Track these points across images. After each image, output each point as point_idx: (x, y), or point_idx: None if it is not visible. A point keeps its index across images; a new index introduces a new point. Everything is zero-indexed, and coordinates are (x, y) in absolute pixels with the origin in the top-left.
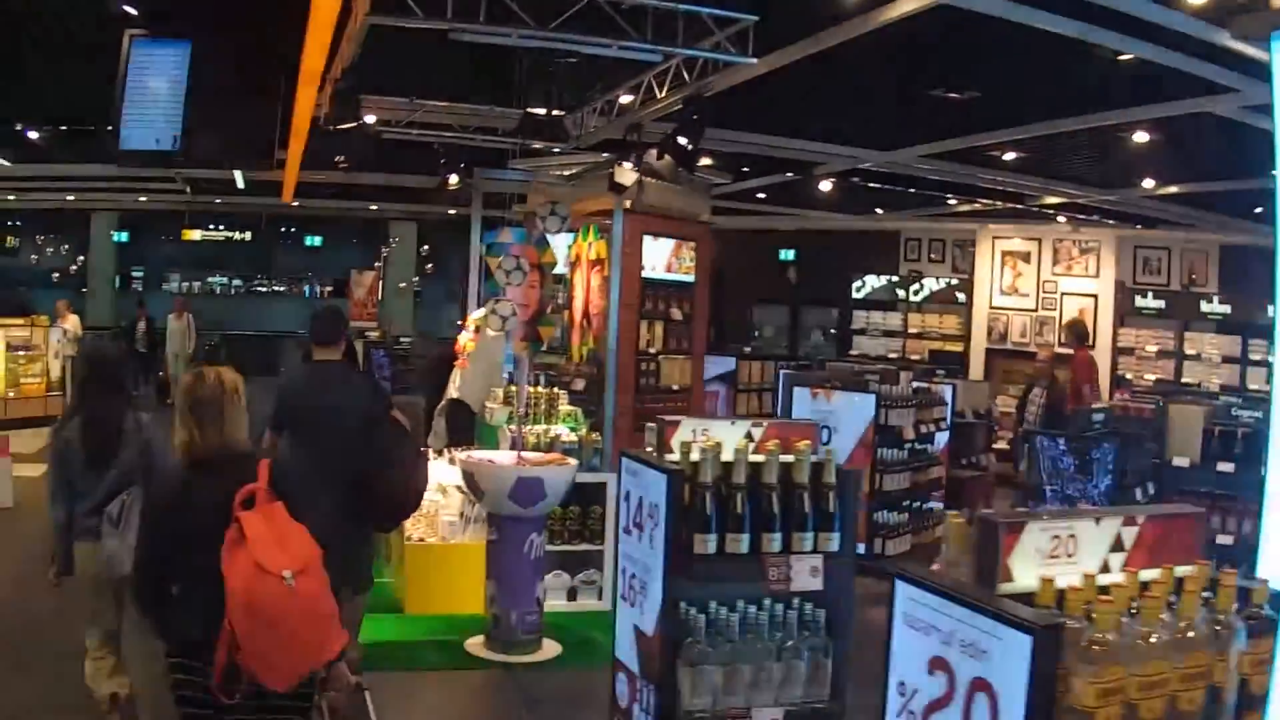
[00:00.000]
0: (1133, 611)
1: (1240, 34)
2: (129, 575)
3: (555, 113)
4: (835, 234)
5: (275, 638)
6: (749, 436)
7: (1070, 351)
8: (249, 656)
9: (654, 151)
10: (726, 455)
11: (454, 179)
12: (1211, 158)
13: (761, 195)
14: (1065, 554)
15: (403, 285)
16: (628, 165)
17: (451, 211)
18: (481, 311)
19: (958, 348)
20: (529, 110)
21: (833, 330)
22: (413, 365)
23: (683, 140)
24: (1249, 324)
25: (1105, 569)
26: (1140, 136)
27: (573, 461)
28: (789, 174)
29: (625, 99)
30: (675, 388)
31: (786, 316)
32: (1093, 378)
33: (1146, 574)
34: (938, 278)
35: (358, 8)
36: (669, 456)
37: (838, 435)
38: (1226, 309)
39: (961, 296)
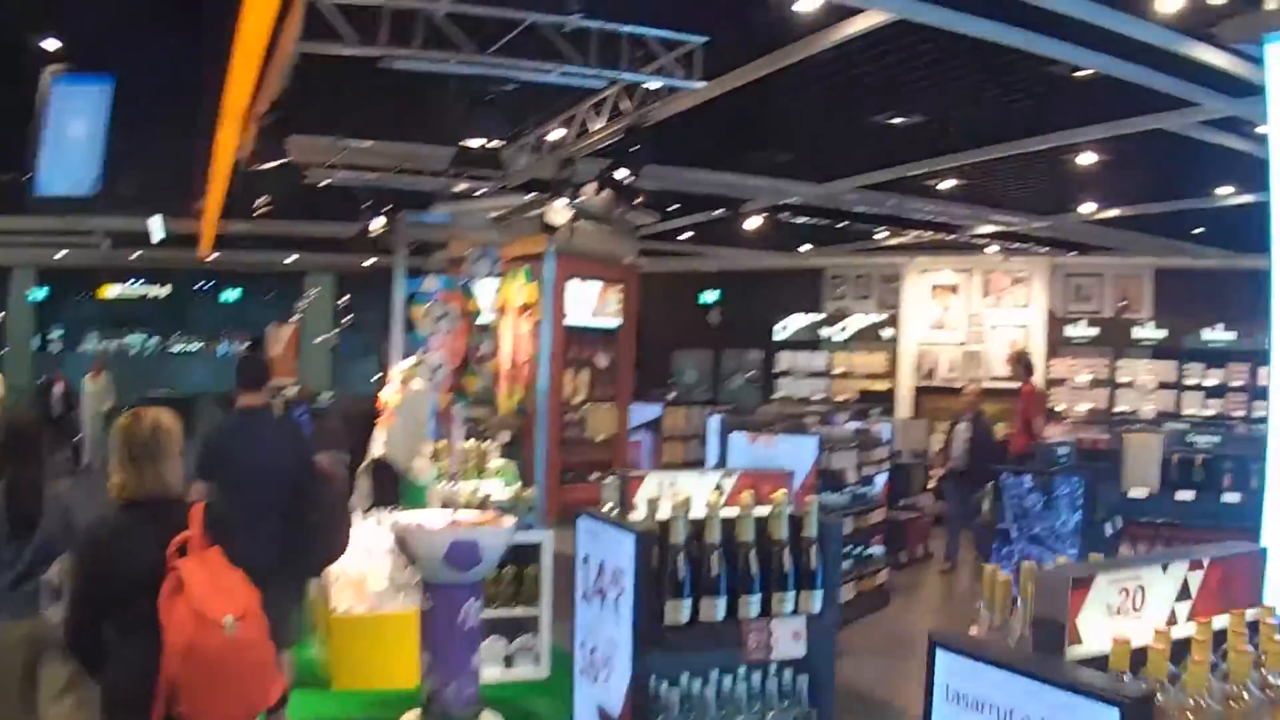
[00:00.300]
0: (1218, 668)
1: (1230, 38)
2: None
3: (491, 144)
4: (758, 274)
5: (216, 687)
6: (719, 489)
7: (1017, 385)
8: (189, 708)
9: (591, 186)
10: (696, 510)
11: (378, 223)
12: (1156, 178)
13: (685, 235)
14: (1132, 607)
15: (320, 339)
16: (561, 203)
17: (369, 262)
18: (407, 363)
19: (885, 386)
20: (463, 143)
21: (753, 373)
22: (333, 423)
23: (622, 173)
24: (1184, 348)
25: (1173, 620)
26: (1086, 158)
27: (509, 520)
28: (719, 210)
29: (555, 134)
30: (601, 438)
31: (708, 360)
32: (1042, 410)
33: (1218, 622)
34: (863, 315)
35: (286, 36)
36: (633, 515)
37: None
38: (1161, 334)
39: (888, 333)
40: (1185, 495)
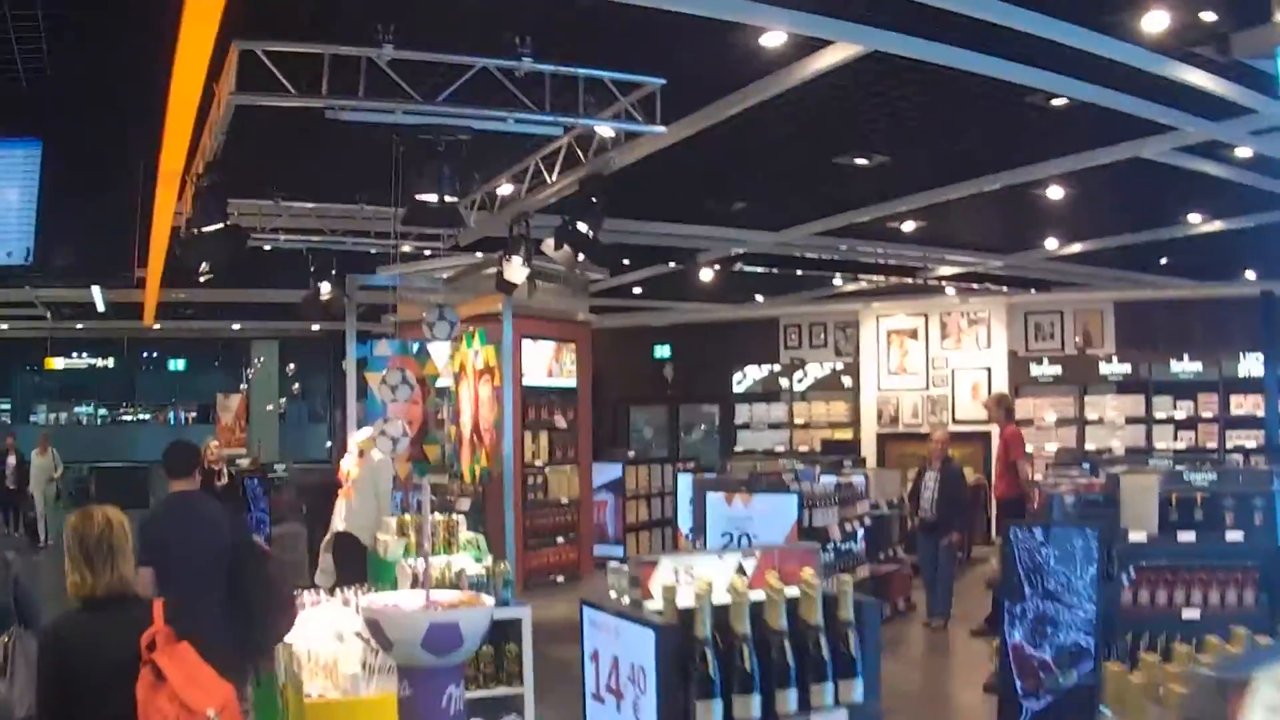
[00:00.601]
0: None
1: (1243, 53)
2: None
3: (448, 199)
4: (712, 326)
5: None
6: (741, 570)
7: (985, 428)
8: None
9: (550, 242)
10: (719, 595)
11: (326, 288)
12: (1125, 208)
13: (637, 290)
14: None
15: (269, 408)
16: (517, 260)
17: (315, 328)
18: (365, 433)
19: (848, 435)
20: (417, 197)
21: (705, 427)
22: (289, 495)
23: (583, 226)
24: (1151, 381)
25: None
26: (1054, 192)
27: (489, 600)
28: (671, 263)
29: (505, 189)
30: (564, 501)
31: (665, 416)
32: (1023, 453)
33: None
34: (821, 363)
35: (221, 88)
36: (649, 604)
37: (759, 542)
38: (1126, 368)
39: (848, 381)
40: (1187, 536)
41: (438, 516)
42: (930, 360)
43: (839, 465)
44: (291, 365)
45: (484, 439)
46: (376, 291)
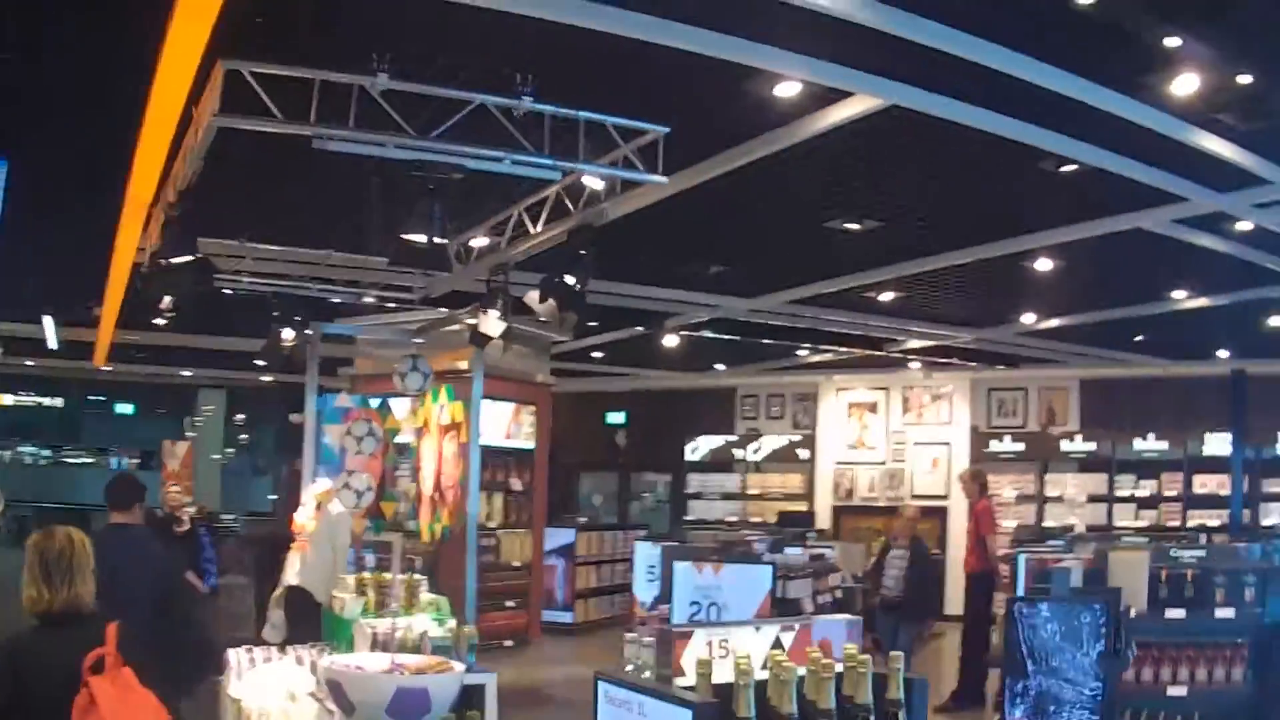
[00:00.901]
0: None
1: None
2: None
3: (437, 240)
4: (667, 394)
5: None
6: (779, 644)
7: (967, 501)
8: None
9: (534, 294)
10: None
11: (289, 334)
12: (1111, 283)
13: (597, 354)
14: None
15: (215, 457)
16: (494, 313)
17: (266, 379)
18: (323, 485)
19: (802, 506)
20: (404, 236)
21: (654, 495)
22: (235, 547)
23: (570, 280)
24: (1114, 459)
25: None
26: (1042, 264)
27: (458, 666)
28: (638, 328)
29: (480, 241)
30: (517, 564)
31: (615, 483)
32: (995, 529)
33: None
34: (778, 435)
35: (203, 110)
36: (681, 681)
37: (728, 613)
38: (1089, 446)
39: (804, 453)
40: (1176, 613)
41: (399, 576)
42: (890, 434)
43: (802, 537)
44: (241, 415)
45: (446, 497)
46: (333, 344)
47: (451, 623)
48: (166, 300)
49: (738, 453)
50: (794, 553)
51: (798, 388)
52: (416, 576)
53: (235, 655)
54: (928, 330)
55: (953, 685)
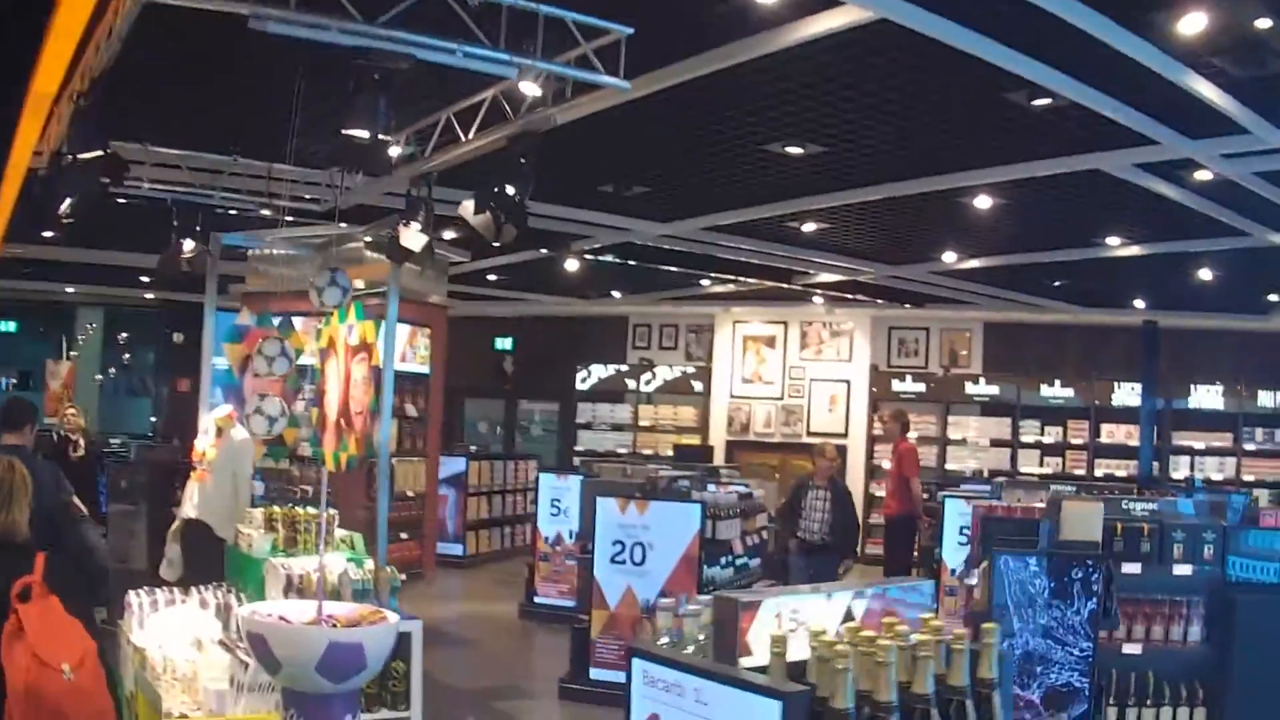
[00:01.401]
0: None
1: None
2: None
3: (381, 136)
4: (557, 320)
5: None
6: (849, 615)
7: (889, 443)
8: None
9: (469, 204)
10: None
11: (189, 245)
12: (1047, 226)
13: (492, 276)
14: None
15: (98, 378)
16: (415, 226)
17: (149, 296)
18: (223, 410)
19: (695, 440)
20: (345, 132)
21: (541, 424)
22: (127, 473)
23: (511, 190)
24: (1019, 405)
25: None
26: (981, 202)
27: (392, 616)
28: (543, 250)
29: (394, 150)
30: (410, 494)
31: (502, 411)
32: (916, 471)
33: None
34: (671, 366)
35: None
36: (747, 660)
37: (654, 553)
38: (994, 390)
39: (698, 386)
40: (1132, 568)
41: (310, 510)
42: (787, 369)
43: (715, 473)
44: (124, 334)
45: (353, 423)
46: (226, 261)
47: (369, 563)
48: (66, 204)
49: (630, 383)
50: (717, 490)
51: (692, 319)
52: (331, 511)
53: (135, 598)
54: (841, 264)
55: None
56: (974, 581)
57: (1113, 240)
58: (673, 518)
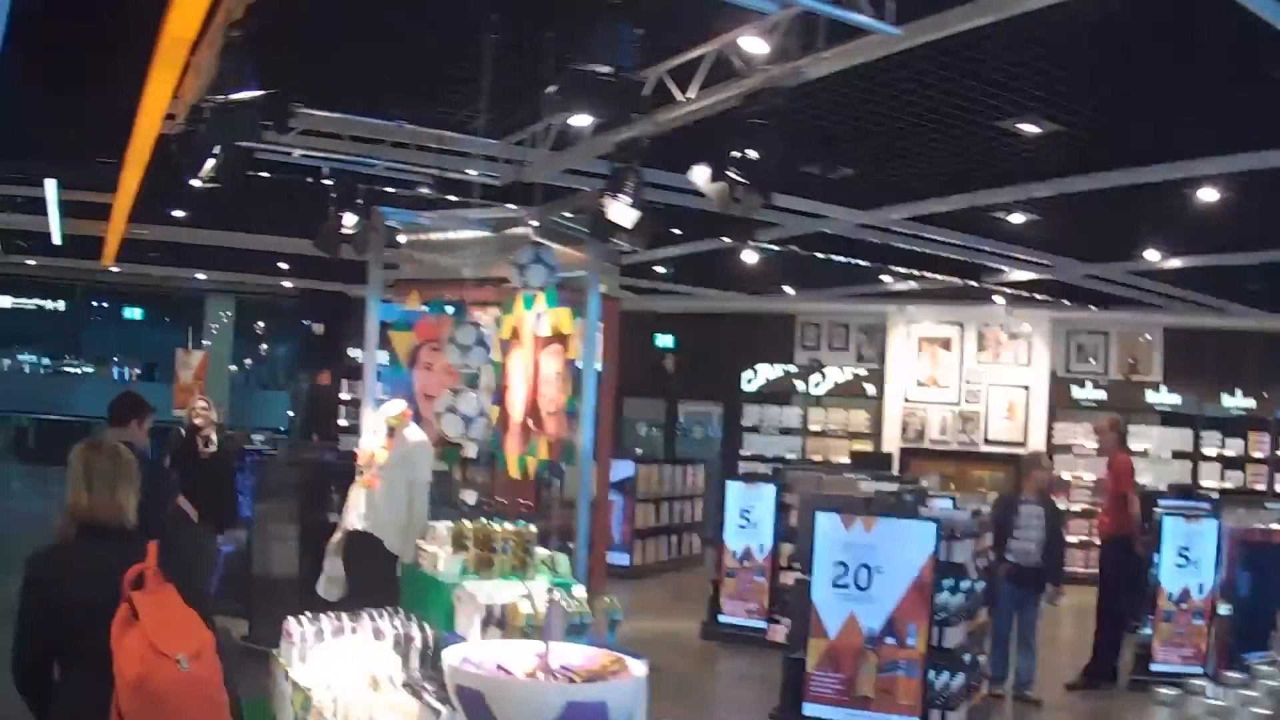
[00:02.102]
0: None
1: None
2: None
3: (622, 73)
4: (720, 317)
5: None
6: None
7: (1104, 454)
8: None
9: (703, 170)
10: None
11: (351, 220)
12: (1255, 222)
13: (660, 269)
14: None
15: (232, 368)
16: (624, 198)
17: (287, 284)
18: (395, 407)
19: (867, 446)
20: (580, 68)
21: (703, 427)
22: (276, 474)
23: (754, 154)
24: (1199, 416)
25: None
26: (1206, 194)
27: (636, 665)
28: (724, 239)
29: (582, 121)
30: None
31: (661, 412)
32: (1133, 486)
33: None
34: (841, 367)
35: None
36: None
37: (880, 577)
38: (1174, 399)
39: (870, 389)
40: None
41: (506, 526)
42: (964, 373)
43: (922, 493)
44: (259, 324)
45: (545, 424)
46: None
47: (579, 589)
48: (209, 165)
49: (798, 384)
50: (950, 507)
51: (863, 318)
52: (530, 527)
53: (297, 626)
54: (1039, 260)
55: (1086, 658)
56: (1227, 612)
57: None
58: (904, 537)
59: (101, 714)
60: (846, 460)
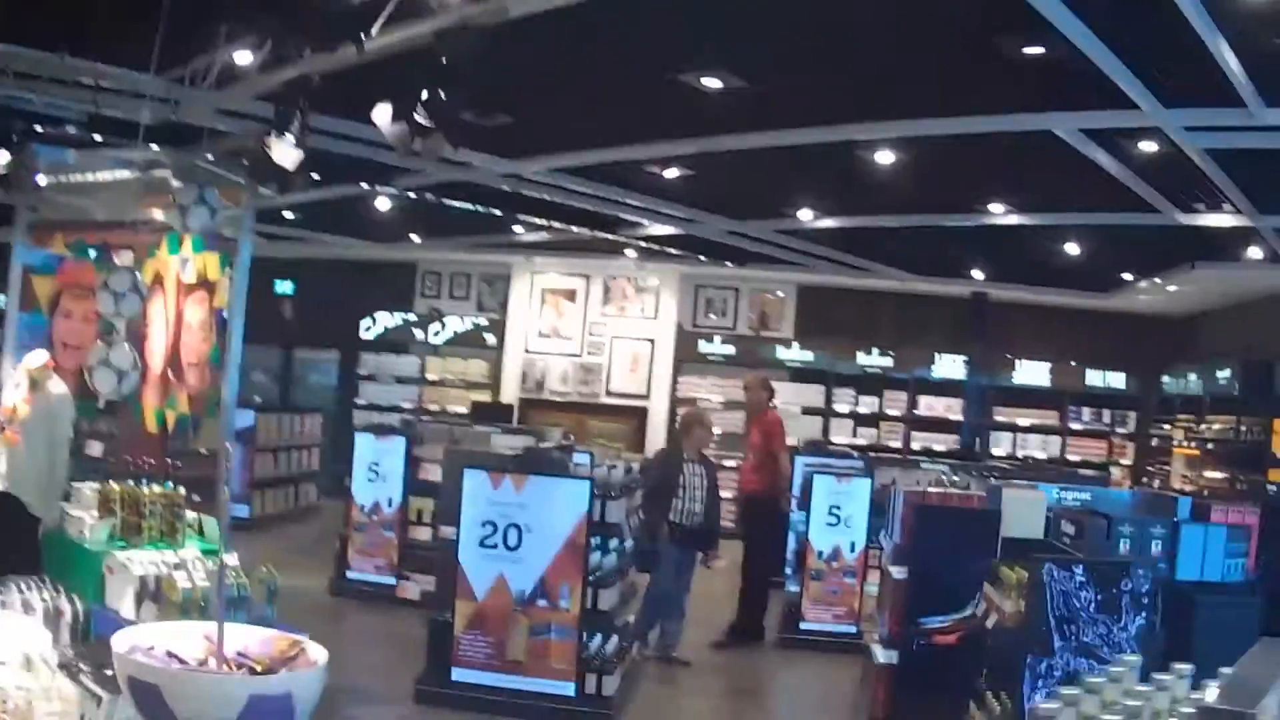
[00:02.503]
0: None
1: None
2: None
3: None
4: (342, 265)
5: None
6: None
7: (751, 411)
8: None
9: (385, 109)
10: None
11: (4, 157)
12: (929, 188)
13: (290, 214)
14: None
15: None
16: (289, 138)
17: None
18: (38, 358)
19: (485, 396)
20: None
21: (318, 375)
22: None
23: (443, 95)
24: (831, 372)
25: None
26: (883, 156)
27: (315, 650)
28: (364, 184)
29: (243, 58)
30: (204, 451)
31: (276, 359)
32: (783, 444)
33: None
34: (462, 316)
35: None
36: None
37: (531, 537)
38: (807, 355)
39: (491, 339)
40: None
41: (154, 488)
42: (588, 325)
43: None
44: None
45: (186, 376)
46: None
47: (232, 558)
48: None
49: (417, 333)
50: (616, 468)
51: (487, 267)
52: (180, 490)
53: None
54: (682, 215)
55: (729, 618)
56: (901, 575)
57: (996, 208)
58: (556, 496)
59: None
60: (464, 410)
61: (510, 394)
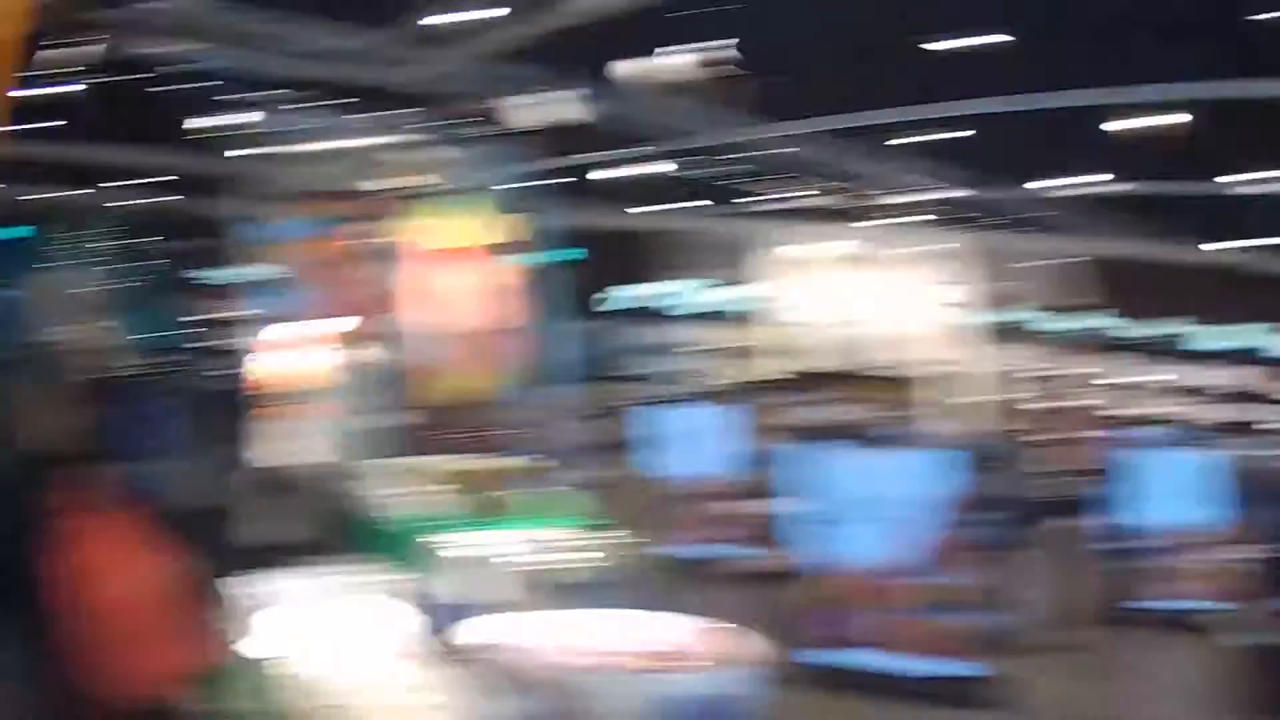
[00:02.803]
0: None
1: None
2: None
3: None
4: (602, 234)
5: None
6: None
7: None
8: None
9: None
10: None
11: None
12: (1218, 152)
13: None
14: None
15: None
16: (573, 95)
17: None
18: (342, 325)
19: (767, 366)
20: None
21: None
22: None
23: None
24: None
25: None
26: (1178, 117)
27: (751, 647)
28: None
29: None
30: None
31: (565, 329)
32: None
33: None
34: (735, 285)
35: None
36: None
37: (904, 510)
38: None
39: (769, 310)
40: None
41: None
42: (863, 296)
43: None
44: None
45: (485, 347)
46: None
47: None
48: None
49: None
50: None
51: (754, 235)
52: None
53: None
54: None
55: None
56: None
57: None
58: (920, 465)
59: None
60: (756, 380)
61: (792, 364)
